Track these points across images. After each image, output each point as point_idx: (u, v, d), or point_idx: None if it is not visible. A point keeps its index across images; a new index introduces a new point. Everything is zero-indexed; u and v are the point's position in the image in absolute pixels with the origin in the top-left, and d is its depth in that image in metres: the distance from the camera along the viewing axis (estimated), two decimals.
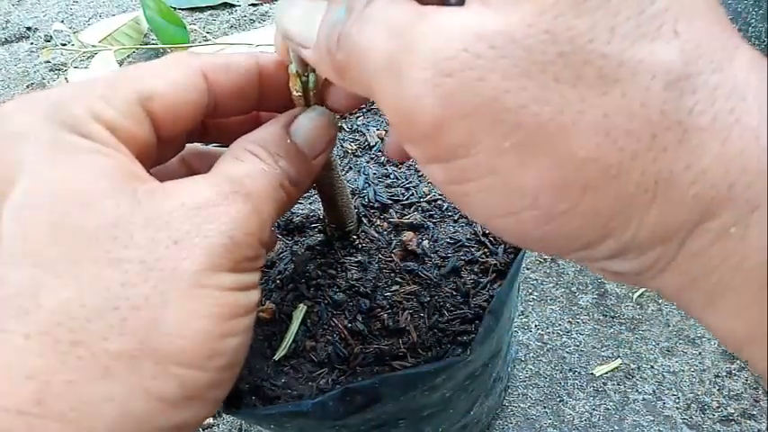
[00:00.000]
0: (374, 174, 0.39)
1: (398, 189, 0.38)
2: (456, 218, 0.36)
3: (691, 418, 0.52)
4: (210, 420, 0.56)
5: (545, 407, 0.54)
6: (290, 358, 0.32)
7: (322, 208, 0.35)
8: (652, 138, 0.16)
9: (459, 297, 0.33)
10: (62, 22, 0.81)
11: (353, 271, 0.34)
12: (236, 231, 0.21)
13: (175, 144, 0.27)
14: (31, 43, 0.80)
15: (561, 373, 0.56)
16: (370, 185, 0.38)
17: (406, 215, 0.36)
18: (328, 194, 0.33)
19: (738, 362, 0.55)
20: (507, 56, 0.16)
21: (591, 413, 0.53)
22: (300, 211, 0.38)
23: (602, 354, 0.57)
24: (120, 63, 0.67)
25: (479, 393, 0.42)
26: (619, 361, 0.56)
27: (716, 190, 0.16)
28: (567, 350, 0.57)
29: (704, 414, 0.52)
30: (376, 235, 0.35)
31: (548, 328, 0.58)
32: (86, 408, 0.18)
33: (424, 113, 0.17)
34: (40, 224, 0.19)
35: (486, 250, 0.35)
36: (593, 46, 0.16)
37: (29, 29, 0.82)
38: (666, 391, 0.54)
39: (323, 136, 0.25)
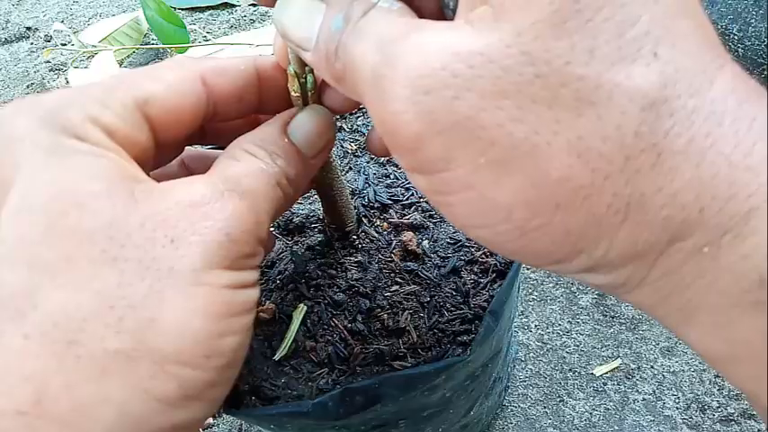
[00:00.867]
0: (374, 174, 0.39)
1: (398, 189, 0.38)
2: None
3: (691, 418, 0.52)
4: (210, 420, 0.57)
5: (545, 407, 0.54)
6: (290, 358, 0.32)
7: (322, 208, 0.35)
8: (625, 160, 0.16)
9: (459, 297, 0.33)
10: (62, 22, 0.81)
11: (353, 271, 0.34)
12: (233, 229, 0.21)
13: (174, 147, 0.27)
14: (31, 43, 0.80)
15: (561, 373, 0.56)
16: (370, 185, 0.38)
17: (406, 215, 0.36)
18: (328, 194, 0.33)
19: None
20: (484, 75, 0.17)
21: (591, 413, 0.53)
22: (300, 211, 0.38)
23: (602, 354, 0.57)
24: (120, 63, 0.67)
25: (479, 393, 0.42)
26: (619, 361, 0.56)
27: (687, 212, 0.16)
28: (567, 350, 0.57)
29: (704, 414, 0.52)
30: (376, 235, 0.35)
31: (548, 328, 0.58)
32: (85, 409, 0.18)
33: (405, 128, 0.18)
34: (36, 226, 0.19)
35: (486, 250, 0.35)
36: (571, 68, 0.16)
37: (29, 29, 0.82)
38: (666, 391, 0.54)
39: (321, 135, 0.25)
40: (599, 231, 0.17)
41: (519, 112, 0.17)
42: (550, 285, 0.61)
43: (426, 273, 0.34)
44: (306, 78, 0.25)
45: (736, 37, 0.49)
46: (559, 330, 0.58)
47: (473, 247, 0.35)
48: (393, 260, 0.34)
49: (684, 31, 0.17)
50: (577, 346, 0.57)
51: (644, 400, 0.54)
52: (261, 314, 0.34)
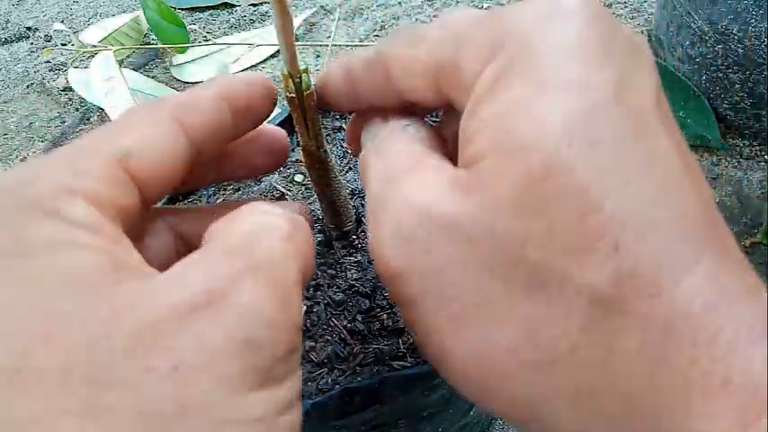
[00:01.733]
0: None
1: None
2: None
3: None
4: None
5: None
6: None
7: (320, 208, 0.35)
8: (573, 350, 0.16)
9: None
10: (62, 22, 0.81)
11: (353, 271, 0.34)
12: (253, 328, 0.16)
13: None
14: (31, 43, 0.80)
15: None
16: None
17: None
18: (326, 194, 0.33)
19: None
20: (453, 240, 0.18)
21: None
22: None
23: None
24: (120, 63, 0.67)
25: None
26: None
27: (641, 419, 0.16)
28: None
29: None
30: None
31: None
32: None
33: (386, 263, 0.19)
34: None
35: None
36: (525, 251, 0.16)
37: (29, 29, 0.82)
38: None
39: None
40: (549, 409, 0.17)
41: (477, 279, 0.17)
42: None
43: None
44: (300, 78, 0.25)
45: (736, 37, 0.49)
46: None
47: None
48: None
49: (659, 220, 0.16)
50: None
51: None
52: None
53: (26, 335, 0.14)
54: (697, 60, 0.54)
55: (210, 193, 0.47)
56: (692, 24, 0.52)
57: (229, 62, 0.68)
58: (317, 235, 0.37)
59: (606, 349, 0.16)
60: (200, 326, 0.15)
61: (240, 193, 0.45)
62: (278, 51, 0.70)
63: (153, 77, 0.69)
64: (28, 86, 0.74)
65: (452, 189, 0.18)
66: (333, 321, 0.33)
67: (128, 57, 0.74)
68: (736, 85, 0.52)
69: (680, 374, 0.15)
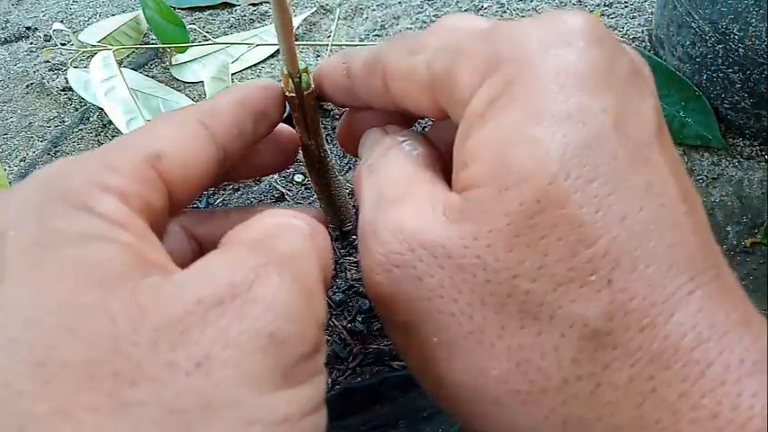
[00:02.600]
0: None
1: None
2: None
3: None
4: None
5: None
6: None
7: (320, 208, 0.35)
8: (563, 381, 0.16)
9: None
10: (62, 21, 0.81)
11: (353, 271, 0.34)
12: (278, 322, 0.16)
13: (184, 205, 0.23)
14: (31, 43, 0.80)
15: None
16: None
17: None
18: (326, 194, 0.33)
19: None
20: (444, 267, 0.18)
21: None
22: None
23: None
24: (120, 63, 0.67)
25: None
26: None
27: None
28: None
29: None
30: None
31: None
32: None
33: (377, 287, 0.20)
34: (19, 365, 0.14)
35: None
36: (517, 282, 0.16)
37: (28, 29, 0.82)
38: None
39: None
40: None
41: (469, 308, 0.17)
42: None
43: None
44: (300, 78, 0.25)
45: (736, 37, 0.49)
46: None
47: None
48: None
49: (654, 252, 0.16)
50: None
51: None
52: None
53: (51, 327, 0.14)
54: (697, 60, 0.54)
55: (210, 192, 0.47)
56: (693, 24, 0.52)
57: (229, 62, 0.68)
58: None
59: (596, 382, 0.16)
60: (224, 320, 0.15)
61: (239, 193, 0.45)
62: (278, 51, 0.70)
63: (152, 77, 0.69)
64: (27, 86, 0.74)
65: (445, 215, 0.19)
66: (333, 321, 0.33)
67: (127, 56, 0.74)
68: (737, 85, 0.52)
69: (668, 408, 0.15)
